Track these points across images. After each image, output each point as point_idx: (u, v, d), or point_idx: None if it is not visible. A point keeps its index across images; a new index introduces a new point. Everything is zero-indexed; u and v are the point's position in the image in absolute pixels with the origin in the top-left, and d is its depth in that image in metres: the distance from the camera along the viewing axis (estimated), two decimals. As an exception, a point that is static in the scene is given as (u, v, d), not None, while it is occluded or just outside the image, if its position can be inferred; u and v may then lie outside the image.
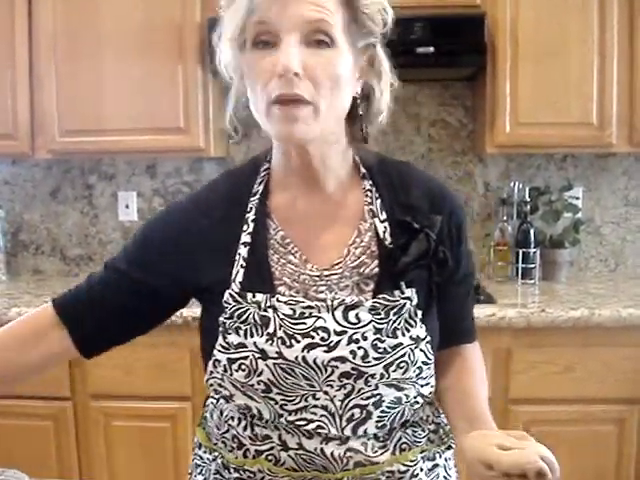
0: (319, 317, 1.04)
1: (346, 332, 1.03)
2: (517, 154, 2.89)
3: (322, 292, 1.06)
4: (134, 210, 3.02)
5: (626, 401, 2.31)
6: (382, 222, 1.09)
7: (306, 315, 1.04)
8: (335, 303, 1.04)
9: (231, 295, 1.05)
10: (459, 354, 1.19)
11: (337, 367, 1.03)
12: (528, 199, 2.83)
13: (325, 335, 1.03)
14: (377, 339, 1.04)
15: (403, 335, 1.05)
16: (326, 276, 1.07)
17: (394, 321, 1.05)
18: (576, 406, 2.24)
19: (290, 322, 1.03)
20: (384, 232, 1.08)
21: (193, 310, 2.37)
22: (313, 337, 1.03)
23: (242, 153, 2.91)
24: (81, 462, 2.44)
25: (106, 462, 2.42)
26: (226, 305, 1.05)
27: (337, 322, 1.04)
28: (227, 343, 1.05)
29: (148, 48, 2.57)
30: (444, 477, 1.20)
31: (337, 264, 1.08)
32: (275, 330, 1.03)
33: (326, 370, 1.03)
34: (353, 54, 1.01)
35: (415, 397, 1.09)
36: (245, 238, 1.08)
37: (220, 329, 1.06)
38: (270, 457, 1.09)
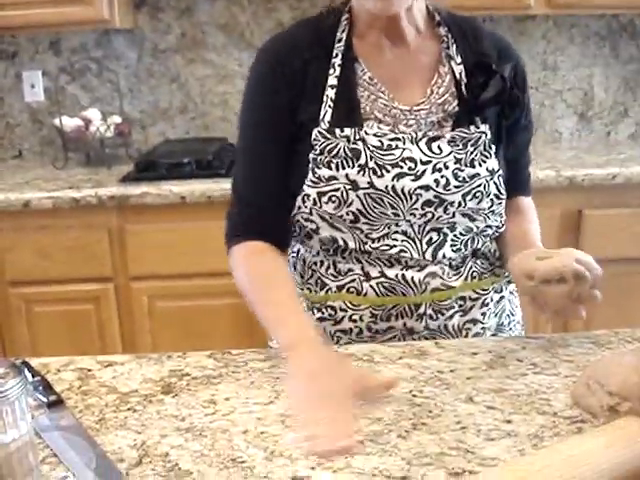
0: (405, 148, 1.12)
1: (431, 161, 1.12)
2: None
3: (411, 126, 1.14)
4: (40, 90, 2.86)
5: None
6: (458, 65, 1.17)
7: (393, 147, 1.11)
8: (419, 134, 1.13)
9: (320, 132, 1.12)
10: (518, 203, 1.27)
11: (421, 195, 1.11)
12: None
13: (412, 165, 1.11)
14: (457, 168, 1.12)
15: (480, 166, 1.14)
16: (416, 111, 1.14)
17: (471, 152, 1.14)
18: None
19: (380, 153, 1.11)
20: (460, 73, 1.16)
21: (108, 189, 2.29)
22: (402, 167, 1.11)
23: (150, 24, 2.77)
24: (5, 350, 2.42)
25: (31, 349, 2.40)
26: (315, 142, 1.12)
27: (422, 152, 1.12)
28: (317, 177, 1.12)
29: None
30: (509, 311, 1.28)
31: (423, 102, 1.15)
32: (366, 161, 1.10)
33: (411, 198, 1.11)
34: None
35: (484, 228, 1.18)
36: (332, 81, 1.14)
37: (310, 165, 1.13)
38: (352, 289, 1.17)
